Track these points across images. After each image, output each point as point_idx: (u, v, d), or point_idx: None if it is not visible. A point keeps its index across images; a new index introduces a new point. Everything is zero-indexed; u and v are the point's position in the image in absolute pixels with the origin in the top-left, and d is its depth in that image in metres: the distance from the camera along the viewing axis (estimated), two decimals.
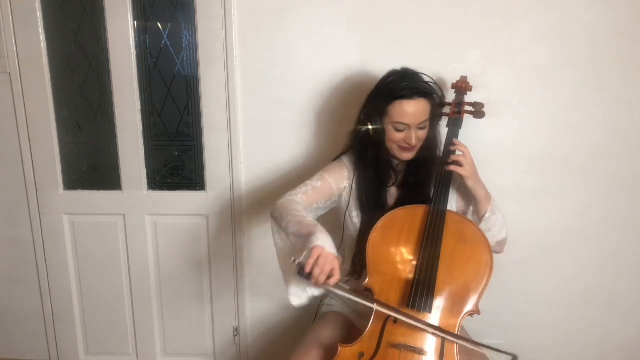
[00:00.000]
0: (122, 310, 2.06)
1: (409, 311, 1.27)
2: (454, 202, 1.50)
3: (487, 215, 1.42)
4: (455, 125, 1.49)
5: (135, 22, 1.81)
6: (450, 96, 1.60)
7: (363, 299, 1.27)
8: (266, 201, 1.91)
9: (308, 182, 1.49)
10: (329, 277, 1.16)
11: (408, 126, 1.39)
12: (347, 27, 1.72)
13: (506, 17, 1.67)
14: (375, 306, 1.27)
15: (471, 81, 1.61)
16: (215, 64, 1.78)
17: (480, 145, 1.75)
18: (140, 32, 1.82)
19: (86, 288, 2.06)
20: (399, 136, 1.41)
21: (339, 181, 1.50)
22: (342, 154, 1.58)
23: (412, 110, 1.37)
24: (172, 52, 1.84)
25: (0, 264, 2.07)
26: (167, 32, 1.83)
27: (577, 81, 1.70)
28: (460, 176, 1.40)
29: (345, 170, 1.52)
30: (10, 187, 1.97)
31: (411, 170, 1.50)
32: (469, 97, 1.57)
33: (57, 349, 2.14)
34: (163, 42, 1.83)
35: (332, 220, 1.57)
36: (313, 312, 1.65)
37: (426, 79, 1.46)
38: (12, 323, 2.14)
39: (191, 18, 1.78)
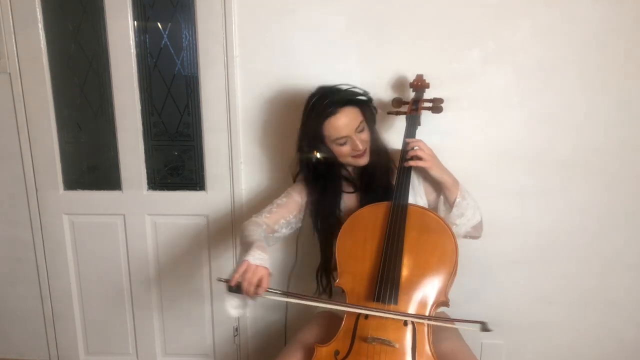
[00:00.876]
0: (122, 310, 2.06)
1: (375, 305, 1.30)
2: (423, 195, 1.52)
3: (457, 200, 1.43)
4: (412, 121, 1.52)
5: (135, 22, 1.81)
6: (410, 95, 1.63)
7: (307, 300, 1.33)
8: (266, 201, 1.90)
9: (275, 200, 1.56)
10: (258, 286, 1.22)
11: (348, 137, 1.42)
12: (347, 27, 1.72)
13: (506, 17, 1.67)
14: (319, 304, 1.34)
15: (470, 81, 1.61)
16: (215, 64, 1.79)
17: (480, 145, 1.76)
18: (140, 32, 1.82)
19: (86, 288, 2.06)
20: (345, 149, 1.44)
21: (304, 194, 1.56)
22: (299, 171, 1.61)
23: (343, 122, 1.41)
24: (172, 52, 1.84)
25: (0, 264, 2.07)
26: (167, 32, 1.83)
27: (577, 81, 1.70)
28: (424, 169, 1.42)
29: (305, 187, 1.57)
30: (10, 187, 1.97)
31: (367, 172, 1.52)
32: (428, 94, 1.59)
33: (57, 349, 2.14)
34: (163, 42, 1.83)
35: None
36: (313, 312, 1.65)
37: (344, 87, 1.48)
38: (12, 323, 2.14)
39: (191, 18, 1.78)
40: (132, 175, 1.92)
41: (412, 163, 1.40)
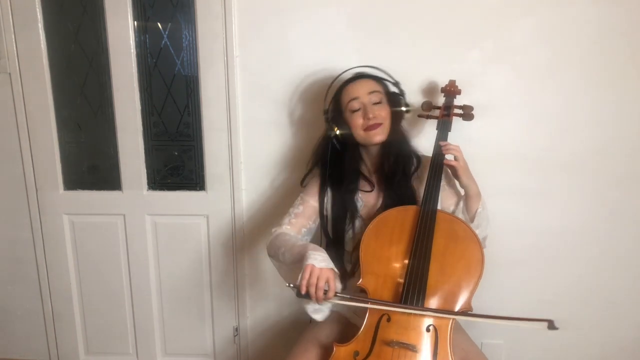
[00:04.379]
0: (122, 310, 2.06)
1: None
2: (439, 202, 1.51)
3: (478, 210, 1.44)
4: (444, 127, 1.52)
5: (135, 22, 1.81)
6: (440, 100, 1.62)
7: (372, 303, 1.29)
8: (266, 201, 1.91)
9: (290, 209, 1.54)
10: (326, 291, 1.22)
11: (360, 102, 1.44)
12: (347, 27, 1.72)
13: (506, 17, 1.67)
14: (383, 307, 1.29)
15: (470, 81, 1.61)
16: (215, 64, 1.79)
17: (479, 145, 1.76)
18: (140, 32, 1.82)
19: (86, 288, 2.06)
20: (358, 118, 1.44)
21: (317, 198, 1.54)
22: (312, 169, 1.61)
23: (358, 85, 1.45)
24: (172, 52, 1.84)
25: (0, 264, 2.07)
26: (167, 32, 1.83)
27: (577, 81, 1.70)
28: (455, 170, 1.42)
29: (318, 184, 1.55)
30: (10, 187, 1.97)
31: (385, 165, 1.50)
32: (458, 101, 1.59)
33: (57, 349, 2.14)
34: (163, 42, 1.83)
35: None
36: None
37: (376, 70, 1.53)
38: (12, 323, 2.14)
39: (191, 18, 1.78)
40: (132, 175, 1.92)
41: (449, 160, 1.41)
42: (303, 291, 1.21)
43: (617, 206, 1.81)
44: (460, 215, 1.47)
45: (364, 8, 1.70)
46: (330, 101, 1.53)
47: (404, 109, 1.51)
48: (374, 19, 1.70)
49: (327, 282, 1.22)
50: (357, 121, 1.44)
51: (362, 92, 1.44)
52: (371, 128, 1.44)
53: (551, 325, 1.25)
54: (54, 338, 2.12)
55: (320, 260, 1.24)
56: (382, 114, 1.44)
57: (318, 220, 1.54)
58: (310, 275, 1.21)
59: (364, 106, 1.44)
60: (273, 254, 1.44)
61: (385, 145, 1.48)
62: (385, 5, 1.69)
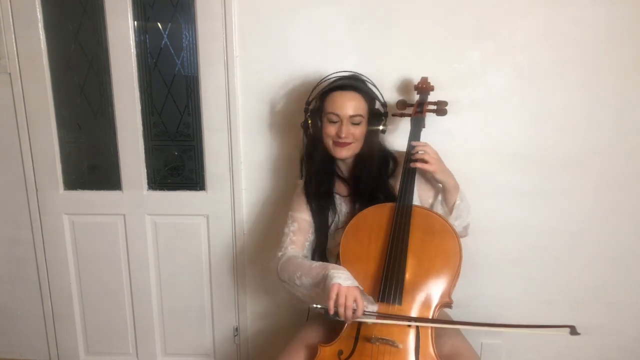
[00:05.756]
0: (122, 310, 2.06)
1: (379, 304, 1.30)
2: (416, 197, 1.52)
3: (457, 202, 1.44)
4: (416, 124, 1.52)
5: (135, 22, 1.81)
6: (414, 98, 1.62)
7: (397, 320, 1.29)
8: (266, 201, 1.91)
9: (286, 230, 1.55)
10: (354, 310, 1.22)
11: (340, 119, 1.44)
12: (347, 27, 1.72)
13: (506, 17, 1.67)
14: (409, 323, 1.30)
15: (470, 81, 1.61)
16: (215, 64, 1.79)
17: (479, 145, 1.76)
18: (140, 32, 1.82)
19: (86, 288, 2.06)
20: (332, 129, 1.45)
21: (306, 211, 1.55)
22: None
23: (344, 101, 1.43)
24: (172, 52, 1.84)
25: (0, 264, 2.07)
26: (167, 32, 1.83)
27: (577, 81, 1.70)
28: (429, 172, 1.42)
29: (303, 196, 1.56)
30: (10, 187, 1.97)
31: (356, 174, 1.52)
32: (432, 97, 1.60)
33: (57, 349, 2.14)
34: (163, 42, 1.83)
35: None
36: (312, 312, 1.65)
37: (369, 85, 1.51)
38: (12, 323, 2.14)
39: (191, 18, 1.78)
40: (132, 175, 1.92)
41: (418, 165, 1.40)
42: (331, 312, 1.22)
43: (617, 206, 1.80)
44: (439, 207, 1.48)
45: (364, 8, 1.69)
46: (316, 96, 1.53)
47: (381, 128, 1.51)
48: (374, 19, 1.70)
49: (355, 300, 1.23)
50: (330, 130, 1.46)
51: (345, 112, 1.43)
52: (339, 145, 1.46)
53: (573, 331, 1.23)
54: (54, 338, 2.12)
55: (345, 279, 1.26)
56: (357, 133, 1.45)
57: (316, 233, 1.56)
58: (338, 295, 1.22)
59: (341, 123, 1.44)
60: (287, 279, 1.42)
61: (358, 158, 1.50)
62: (385, 6, 1.69)
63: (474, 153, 1.77)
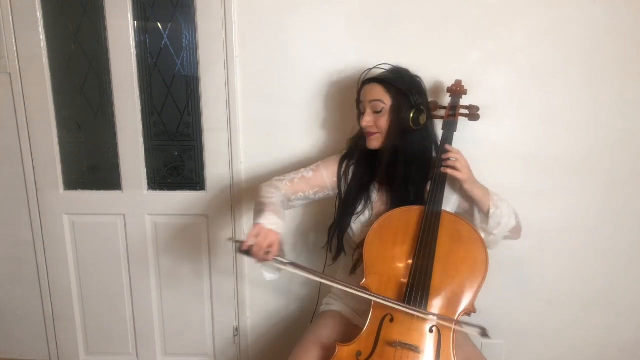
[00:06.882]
0: (122, 310, 2.06)
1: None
2: (456, 202, 1.51)
3: (491, 210, 1.41)
4: (449, 127, 1.50)
5: (135, 22, 1.81)
6: (446, 100, 1.60)
7: (320, 277, 1.30)
8: None
9: (302, 169, 1.55)
10: (267, 252, 1.22)
11: (364, 106, 1.46)
12: (346, 27, 1.72)
13: (506, 17, 1.67)
14: (336, 285, 1.31)
15: (470, 81, 1.61)
16: (215, 64, 1.79)
17: (480, 145, 1.76)
18: (140, 32, 1.82)
19: (86, 288, 2.06)
20: (362, 117, 1.46)
21: (332, 174, 1.54)
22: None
23: (367, 89, 1.46)
24: (172, 52, 1.84)
25: (0, 264, 2.07)
26: (167, 32, 1.83)
27: (576, 81, 1.70)
28: (459, 179, 1.40)
29: (337, 166, 1.55)
30: (10, 187, 1.97)
31: (390, 166, 1.48)
32: (464, 101, 1.58)
33: (57, 349, 2.14)
34: (163, 42, 1.83)
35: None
36: (317, 313, 1.65)
37: (408, 76, 1.48)
38: (12, 323, 2.14)
39: (191, 18, 1.78)
40: (132, 175, 1.92)
41: (448, 171, 1.39)
42: (245, 247, 1.21)
43: (618, 206, 1.80)
44: (478, 216, 1.45)
45: (364, 8, 1.69)
46: (358, 91, 1.53)
47: (411, 124, 1.41)
48: (374, 19, 1.70)
49: (271, 245, 1.23)
50: (362, 121, 1.46)
51: (367, 98, 1.45)
52: (367, 135, 1.46)
53: (483, 333, 1.26)
54: (54, 338, 2.12)
55: (271, 223, 1.26)
56: (380, 123, 1.43)
57: (320, 194, 1.54)
58: (258, 234, 1.23)
59: (365, 111, 1.46)
60: (256, 198, 1.45)
61: (389, 154, 1.44)
62: (385, 5, 1.69)
63: (474, 153, 1.77)
